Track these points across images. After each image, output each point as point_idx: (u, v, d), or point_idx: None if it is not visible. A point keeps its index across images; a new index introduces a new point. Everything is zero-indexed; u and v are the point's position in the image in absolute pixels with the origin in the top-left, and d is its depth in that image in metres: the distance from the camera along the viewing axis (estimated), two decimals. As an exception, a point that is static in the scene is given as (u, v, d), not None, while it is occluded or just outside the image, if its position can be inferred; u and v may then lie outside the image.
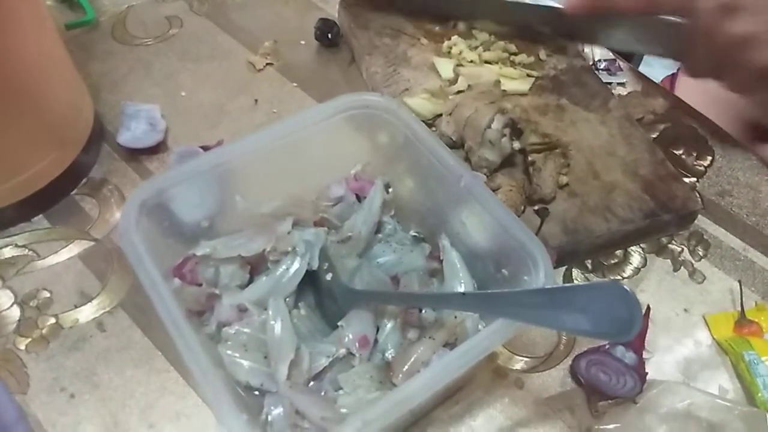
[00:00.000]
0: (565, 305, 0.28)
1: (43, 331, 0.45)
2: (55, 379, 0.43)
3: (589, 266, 0.50)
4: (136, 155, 0.55)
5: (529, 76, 0.58)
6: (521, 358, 0.45)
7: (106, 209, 0.52)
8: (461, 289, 0.40)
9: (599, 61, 0.63)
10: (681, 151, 0.57)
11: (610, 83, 0.61)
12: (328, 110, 0.42)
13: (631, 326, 0.26)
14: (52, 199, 0.52)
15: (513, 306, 0.31)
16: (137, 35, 0.65)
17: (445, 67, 0.58)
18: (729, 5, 0.43)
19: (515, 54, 0.60)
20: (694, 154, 0.57)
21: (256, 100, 0.60)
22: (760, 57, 0.43)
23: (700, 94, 0.63)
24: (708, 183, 0.56)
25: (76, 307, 0.47)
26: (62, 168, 0.51)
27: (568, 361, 0.45)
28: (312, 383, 0.37)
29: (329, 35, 0.63)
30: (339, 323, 0.38)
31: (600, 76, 0.60)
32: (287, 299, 0.40)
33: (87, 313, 0.46)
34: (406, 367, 0.36)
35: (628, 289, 0.26)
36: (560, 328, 0.39)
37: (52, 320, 0.46)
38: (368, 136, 0.44)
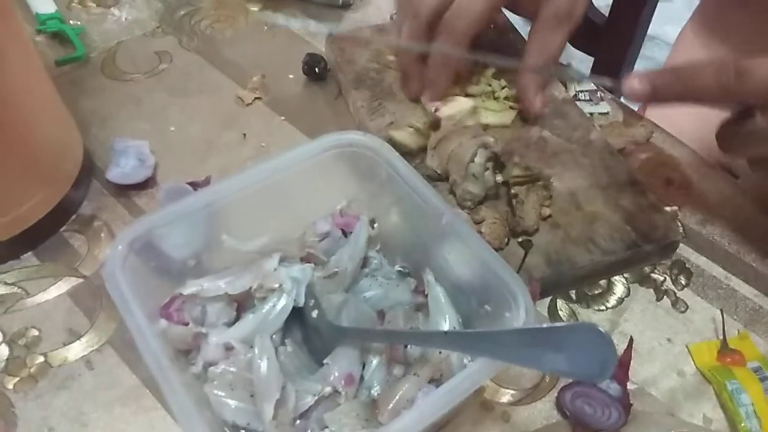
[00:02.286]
0: (544, 345, 0.29)
1: (32, 370, 0.46)
2: (43, 419, 0.43)
3: (573, 296, 0.51)
4: (125, 191, 0.55)
5: (512, 108, 0.59)
6: (508, 390, 0.45)
7: (95, 246, 0.52)
8: (446, 323, 0.41)
9: (580, 92, 0.64)
10: (662, 181, 0.58)
11: (591, 114, 0.63)
12: (314, 149, 0.43)
13: (605, 368, 0.26)
14: (42, 237, 0.52)
15: (493, 345, 0.31)
16: (127, 71, 0.66)
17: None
18: None
19: (502, 88, 0.61)
20: (675, 183, 0.58)
21: (244, 135, 0.61)
22: None
23: (672, 119, 0.65)
24: (689, 212, 0.57)
25: (64, 345, 0.47)
26: (51, 205, 0.52)
27: (554, 393, 0.45)
28: (298, 422, 0.37)
29: (317, 69, 0.65)
30: (325, 361, 0.39)
31: (581, 107, 0.62)
32: (274, 336, 0.40)
33: (75, 351, 0.46)
34: (392, 404, 0.37)
35: (603, 331, 0.26)
36: (539, 368, 0.39)
37: (41, 359, 0.46)
38: (353, 173, 0.45)
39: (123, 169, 0.55)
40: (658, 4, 0.95)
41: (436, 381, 0.39)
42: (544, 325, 0.28)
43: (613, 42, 0.99)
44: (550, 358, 0.29)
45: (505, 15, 0.70)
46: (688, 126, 0.65)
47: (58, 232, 0.53)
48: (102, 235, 0.53)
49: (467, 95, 0.59)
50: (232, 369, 0.38)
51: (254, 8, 0.73)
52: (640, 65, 1.08)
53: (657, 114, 0.69)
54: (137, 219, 0.40)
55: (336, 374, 0.38)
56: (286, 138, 0.61)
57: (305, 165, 0.43)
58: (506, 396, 0.45)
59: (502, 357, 0.31)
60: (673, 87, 0.45)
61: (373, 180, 0.44)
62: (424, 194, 0.41)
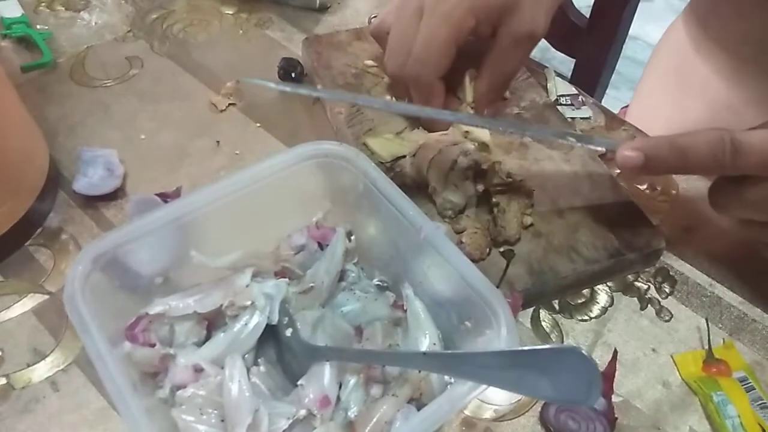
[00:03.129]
0: (526, 367, 0.28)
1: (-7, 393, 0.43)
2: (4, 444, 0.41)
3: (557, 306, 0.50)
4: (93, 202, 0.53)
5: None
6: (490, 406, 0.44)
7: (61, 260, 0.50)
8: (425, 339, 0.39)
9: (561, 96, 0.64)
10: (645, 186, 0.58)
11: (573, 118, 0.62)
12: (289, 160, 0.42)
13: (590, 393, 0.25)
14: (5, 252, 0.50)
15: (474, 367, 0.30)
16: (96, 76, 0.64)
17: None
18: None
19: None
20: (658, 189, 0.58)
21: (218, 142, 0.59)
22: None
23: (654, 124, 0.64)
24: (673, 218, 0.56)
25: (28, 365, 0.45)
26: (16, 218, 0.49)
27: (538, 408, 0.44)
28: (272, 447, 0.36)
29: (293, 74, 0.63)
30: (299, 382, 0.37)
31: (563, 112, 0.61)
32: (246, 356, 0.39)
33: (40, 372, 0.44)
34: (369, 427, 0.35)
35: (586, 354, 0.25)
36: (521, 391, 0.38)
37: (3, 380, 0.44)
38: (329, 184, 0.43)
39: (91, 180, 0.53)
40: (639, 4, 0.95)
41: (415, 400, 0.37)
42: (526, 348, 0.27)
43: (594, 43, 0.98)
44: (533, 382, 0.27)
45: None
46: (671, 130, 0.64)
47: (22, 246, 0.51)
48: (69, 248, 0.51)
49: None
50: (201, 392, 0.36)
51: (228, 12, 0.72)
52: (621, 65, 1.08)
53: (638, 118, 0.68)
54: (101, 235, 0.37)
55: (311, 396, 0.36)
56: (261, 145, 0.59)
57: (280, 176, 0.41)
58: (489, 412, 0.44)
59: (483, 380, 0.30)
60: (667, 161, 0.44)
61: (350, 191, 0.43)
62: (401, 206, 0.39)
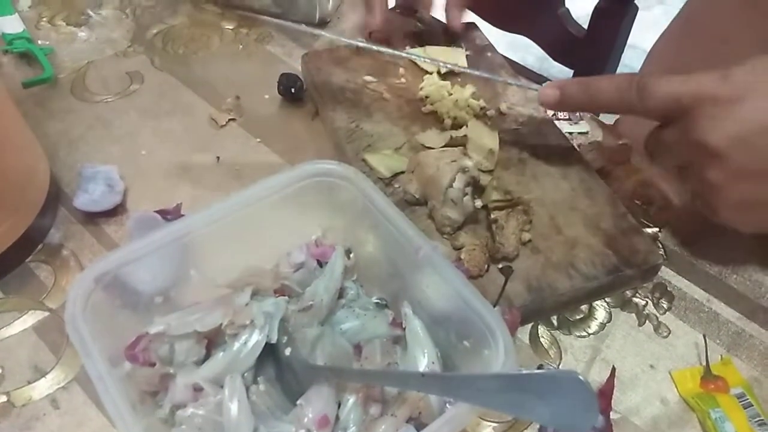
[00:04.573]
0: (524, 391, 0.28)
1: (-7, 410, 0.44)
2: (4, 462, 0.41)
3: (555, 323, 0.50)
4: (93, 218, 0.54)
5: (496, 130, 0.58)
6: (489, 423, 0.44)
7: (62, 276, 0.50)
8: (424, 358, 0.40)
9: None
10: (642, 202, 0.58)
11: (571, 133, 0.62)
12: (289, 179, 0.42)
13: (587, 419, 0.25)
14: (6, 268, 0.50)
15: (471, 389, 0.30)
16: (97, 92, 0.64)
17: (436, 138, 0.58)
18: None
19: (484, 108, 0.60)
20: (656, 204, 0.58)
21: (218, 158, 0.59)
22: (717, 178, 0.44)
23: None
24: (670, 233, 0.56)
25: (29, 383, 0.45)
26: (17, 235, 0.50)
27: (536, 425, 0.44)
28: (271, 466, 0.36)
29: (292, 89, 0.63)
30: (298, 401, 0.37)
31: (561, 127, 0.61)
32: (245, 374, 0.39)
33: (41, 389, 0.45)
34: (368, 447, 0.35)
35: (583, 380, 0.25)
36: (519, 415, 0.38)
37: (4, 398, 0.44)
38: (328, 203, 0.44)
39: (91, 196, 0.53)
40: (638, 13, 0.95)
41: (414, 420, 0.37)
42: (524, 372, 0.27)
43: (592, 54, 0.98)
44: (531, 405, 0.27)
45: (482, 33, 0.69)
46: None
47: (23, 262, 0.51)
48: (70, 265, 0.51)
49: (453, 125, 0.58)
50: (200, 412, 0.36)
51: (228, 27, 0.72)
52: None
53: (635, 133, 0.68)
54: (103, 255, 0.38)
55: (310, 415, 0.36)
56: (261, 161, 0.59)
57: (280, 195, 0.42)
58: (487, 429, 0.44)
59: (480, 402, 0.30)
60: (578, 98, 0.50)
61: (349, 210, 0.43)
62: (400, 225, 0.39)
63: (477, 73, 0.58)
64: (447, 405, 0.36)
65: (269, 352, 0.40)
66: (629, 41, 1.01)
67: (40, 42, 0.68)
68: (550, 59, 1.05)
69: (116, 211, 0.54)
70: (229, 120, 0.62)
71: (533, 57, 1.52)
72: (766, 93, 0.42)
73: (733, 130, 0.43)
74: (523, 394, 0.28)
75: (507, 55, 0.67)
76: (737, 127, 0.42)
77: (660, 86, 0.45)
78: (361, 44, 0.60)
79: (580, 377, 0.26)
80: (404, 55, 0.62)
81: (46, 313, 0.48)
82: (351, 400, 0.38)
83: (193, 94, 0.65)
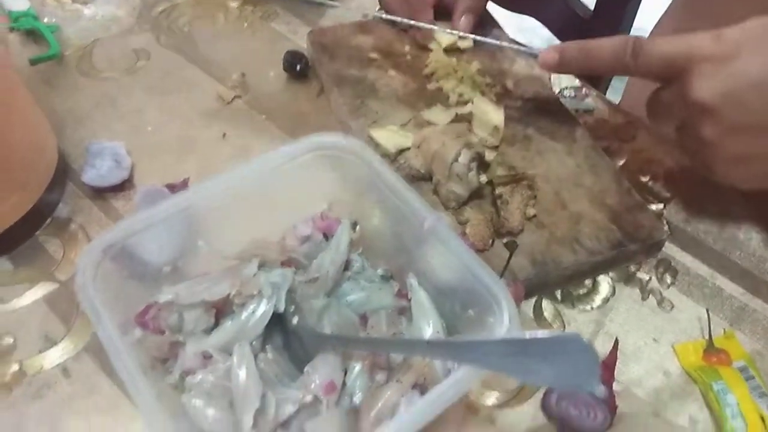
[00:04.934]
0: (527, 355, 0.28)
1: (6, 378, 0.44)
2: (16, 427, 0.42)
3: (559, 297, 0.50)
4: (101, 193, 0.54)
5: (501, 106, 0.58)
6: (493, 392, 0.45)
7: (70, 250, 0.51)
8: (429, 328, 0.40)
9: (565, 88, 0.64)
10: (647, 178, 0.58)
11: (577, 110, 0.62)
12: (295, 151, 0.42)
13: (590, 379, 0.26)
14: (16, 241, 0.51)
15: (476, 354, 0.31)
16: (103, 69, 0.64)
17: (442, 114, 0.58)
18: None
19: (490, 85, 0.60)
20: (661, 181, 0.58)
21: (224, 134, 0.59)
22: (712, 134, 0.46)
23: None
24: (675, 209, 0.56)
25: (40, 352, 0.46)
26: (26, 209, 0.50)
27: (539, 395, 0.44)
28: (279, 431, 0.37)
29: (298, 67, 0.63)
30: (305, 368, 0.38)
31: (566, 104, 0.61)
32: (253, 343, 0.39)
33: (52, 358, 0.45)
34: (374, 412, 0.36)
35: (586, 342, 0.26)
36: (523, 378, 0.39)
37: (16, 367, 0.45)
38: (334, 175, 0.44)
39: (99, 171, 0.54)
40: (644, -6, 0.95)
41: (420, 386, 0.38)
42: (527, 336, 0.27)
43: (598, 35, 0.98)
44: (535, 368, 0.28)
45: (488, 12, 0.69)
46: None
47: (33, 236, 0.52)
48: (78, 238, 0.52)
49: (459, 102, 0.58)
50: (210, 378, 0.37)
51: (233, 4, 0.72)
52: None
53: (641, 110, 0.68)
54: (111, 225, 0.38)
55: (317, 381, 0.37)
56: (267, 137, 0.59)
57: (286, 167, 0.42)
58: (491, 398, 0.45)
59: (485, 366, 0.30)
60: (577, 59, 0.51)
61: (355, 183, 0.43)
62: (405, 198, 0.40)
63: (487, 40, 0.60)
64: (451, 371, 0.37)
65: (276, 322, 0.41)
66: (635, 24, 1.00)
67: (45, 19, 0.68)
68: (557, 41, 1.05)
69: (123, 186, 0.54)
70: (235, 97, 0.62)
71: (540, 39, 1.51)
72: (756, 49, 0.43)
73: (725, 86, 0.43)
74: (527, 358, 0.28)
75: (515, 38, 0.67)
76: (729, 83, 0.43)
77: (654, 47, 0.46)
78: (376, 15, 0.60)
79: (583, 339, 0.26)
80: (417, 24, 0.63)
81: (56, 285, 0.49)
82: (357, 367, 0.39)
83: (198, 71, 0.65)
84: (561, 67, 0.53)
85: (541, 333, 0.41)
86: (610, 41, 0.49)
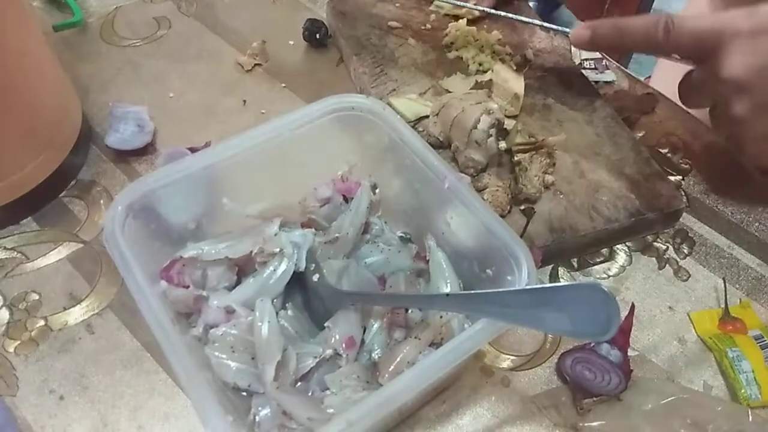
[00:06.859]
0: (546, 305, 0.29)
1: (32, 334, 0.46)
2: (44, 381, 0.43)
3: (575, 264, 0.51)
4: (124, 157, 0.55)
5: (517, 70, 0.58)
6: (508, 356, 0.45)
7: (94, 211, 0.52)
8: (447, 289, 0.41)
9: (586, 60, 0.64)
10: (666, 150, 0.58)
11: (597, 82, 0.62)
12: (315, 112, 0.43)
13: (609, 326, 0.26)
14: (41, 202, 0.52)
15: (495, 306, 0.31)
16: (125, 36, 0.65)
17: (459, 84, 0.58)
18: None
19: (510, 55, 0.60)
20: (680, 153, 0.58)
21: (244, 101, 0.60)
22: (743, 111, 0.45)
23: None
24: (693, 181, 0.56)
25: (65, 309, 0.47)
26: (51, 170, 0.51)
27: (554, 359, 0.45)
28: (299, 384, 0.37)
29: (317, 36, 0.64)
30: (326, 324, 0.38)
31: (587, 75, 0.61)
32: (275, 300, 0.40)
33: (76, 315, 0.46)
34: (392, 366, 0.37)
35: (606, 289, 0.26)
36: (542, 328, 0.39)
37: (41, 322, 0.46)
38: (355, 138, 0.44)
39: (122, 135, 0.55)
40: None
41: (436, 344, 0.39)
42: (546, 285, 0.28)
43: (618, 14, 0.97)
44: (553, 318, 0.28)
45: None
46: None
47: (57, 197, 0.53)
48: (101, 200, 0.53)
49: (478, 71, 0.58)
50: (233, 331, 0.38)
51: (254, -27, 0.72)
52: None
53: (662, 82, 0.68)
54: (135, 181, 0.39)
55: (337, 337, 0.38)
56: (286, 105, 0.60)
57: (306, 128, 0.42)
58: (506, 361, 0.45)
59: (504, 318, 0.31)
60: (608, 37, 0.51)
61: (376, 145, 0.44)
62: (427, 159, 0.40)
63: (511, 16, 0.59)
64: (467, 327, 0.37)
65: (297, 281, 0.42)
66: (655, 5, 1.00)
67: (68, -13, 0.69)
68: (577, 21, 1.04)
69: (146, 150, 0.55)
70: (255, 65, 0.63)
71: (559, 20, 1.50)
72: None
73: (756, 61, 0.43)
74: (546, 308, 0.29)
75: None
76: (760, 59, 0.43)
77: (686, 23, 0.46)
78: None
79: (603, 287, 0.26)
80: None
81: (81, 245, 0.50)
82: (376, 325, 0.39)
83: (219, 39, 0.65)
84: (593, 45, 0.52)
85: (561, 283, 0.41)
86: (642, 19, 0.49)
